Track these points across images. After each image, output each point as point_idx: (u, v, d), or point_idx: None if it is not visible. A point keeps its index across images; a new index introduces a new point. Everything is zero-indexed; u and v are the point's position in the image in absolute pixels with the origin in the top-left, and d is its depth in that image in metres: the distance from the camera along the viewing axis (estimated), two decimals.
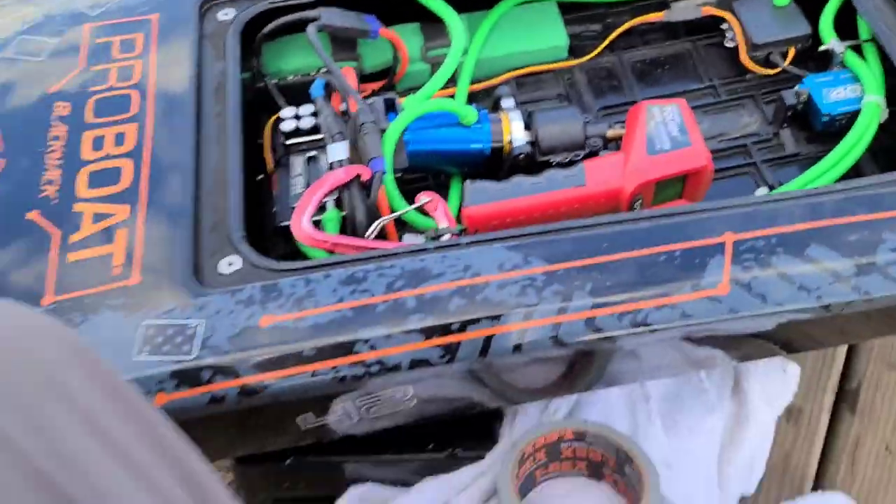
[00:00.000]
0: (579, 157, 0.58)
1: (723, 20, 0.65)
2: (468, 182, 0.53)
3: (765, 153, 0.61)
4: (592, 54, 0.67)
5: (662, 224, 0.47)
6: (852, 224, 0.46)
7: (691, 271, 0.45)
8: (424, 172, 0.60)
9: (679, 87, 0.66)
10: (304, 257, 0.51)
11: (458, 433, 0.56)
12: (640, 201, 0.53)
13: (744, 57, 0.64)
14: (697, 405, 0.59)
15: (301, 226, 0.49)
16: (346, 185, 0.51)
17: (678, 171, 0.53)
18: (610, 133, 0.59)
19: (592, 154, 0.58)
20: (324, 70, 0.62)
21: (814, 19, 0.63)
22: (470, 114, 0.56)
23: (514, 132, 0.57)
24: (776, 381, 0.61)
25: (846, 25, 0.61)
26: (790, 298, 0.44)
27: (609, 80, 0.67)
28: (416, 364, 0.43)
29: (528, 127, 0.58)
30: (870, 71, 0.58)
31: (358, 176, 0.51)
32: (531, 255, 0.45)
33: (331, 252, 0.49)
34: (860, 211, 0.47)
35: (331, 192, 0.51)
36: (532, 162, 0.58)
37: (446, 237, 0.50)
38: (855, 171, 0.56)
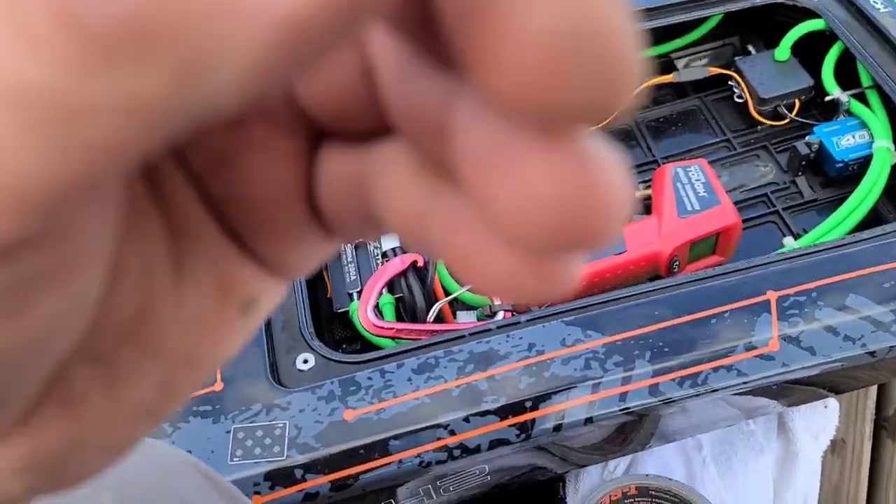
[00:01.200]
0: None
1: (728, 77, 0.69)
2: None
3: (785, 201, 0.64)
4: (607, 119, 0.70)
5: (708, 287, 0.50)
6: (885, 272, 0.49)
7: (742, 331, 0.48)
8: None
9: (695, 143, 0.69)
10: (364, 340, 0.54)
11: (525, 497, 0.58)
12: (677, 262, 0.56)
13: (753, 111, 0.67)
14: (747, 447, 0.61)
15: (367, 316, 0.52)
16: (402, 273, 0.54)
17: (711, 230, 0.56)
18: (636, 195, 0.63)
19: None
20: None
21: (813, 70, 0.67)
22: None
23: None
24: (818, 417, 0.63)
25: (846, 74, 0.65)
26: (837, 349, 0.47)
27: (627, 141, 0.71)
28: (494, 444, 0.45)
29: None
30: (875, 117, 0.62)
31: (414, 262, 0.54)
32: (589, 328, 0.48)
33: (394, 338, 0.52)
34: (889, 259, 0.50)
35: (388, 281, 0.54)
36: None
37: (500, 315, 0.53)
38: (873, 213, 0.60)
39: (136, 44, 0.07)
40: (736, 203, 0.64)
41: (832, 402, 0.63)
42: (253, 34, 0.07)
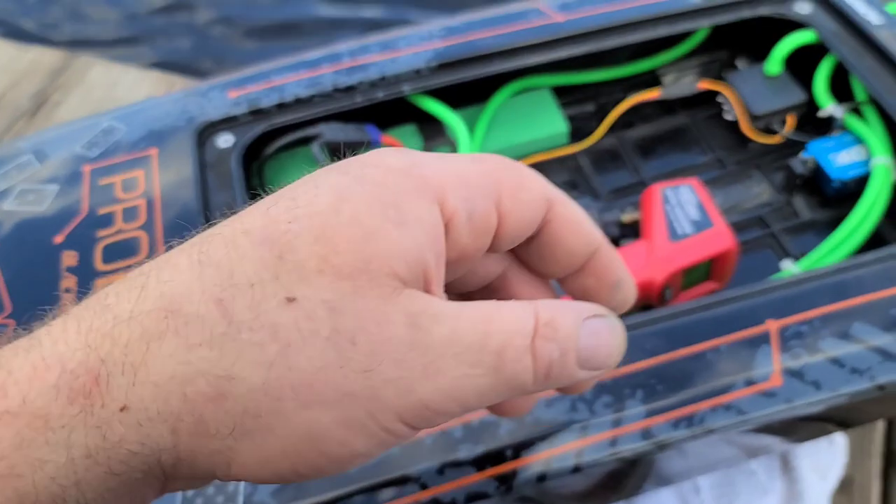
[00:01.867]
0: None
1: (717, 93, 0.66)
2: None
3: (781, 222, 0.60)
4: (594, 138, 0.67)
5: (703, 318, 0.46)
6: (892, 297, 0.46)
7: (741, 365, 0.43)
8: None
9: (685, 162, 0.66)
10: None
11: None
12: (670, 290, 0.52)
13: (745, 128, 0.64)
14: (749, 489, 0.57)
15: None
16: None
17: (705, 255, 0.52)
18: (625, 218, 0.59)
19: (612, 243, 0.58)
20: None
21: (806, 84, 0.63)
22: None
23: None
24: (825, 453, 0.59)
25: (840, 88, 0.62)
26: (844, 383, 0.43)
27: (614, 162, 0.67)
28: (472, 498, 0.41)
29: None
30: (873, 132, 0.58)
31: None
32: None
33: None
34: (895, 283, 0.46)
35: None
36: None
37: None
38: (875, 234, 0.56)
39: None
40: (731, 226, 0.60)
41: (839, 438, 0.59)
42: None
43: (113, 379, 0.18)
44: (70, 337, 0.19)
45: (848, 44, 0.61)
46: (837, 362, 0.43)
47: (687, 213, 0.54)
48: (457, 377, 0.20)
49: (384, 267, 0.20)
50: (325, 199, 0.20)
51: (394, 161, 0.22)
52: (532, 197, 0.23)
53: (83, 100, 0.96)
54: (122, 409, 0.18)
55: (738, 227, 0.61)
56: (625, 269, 0.26)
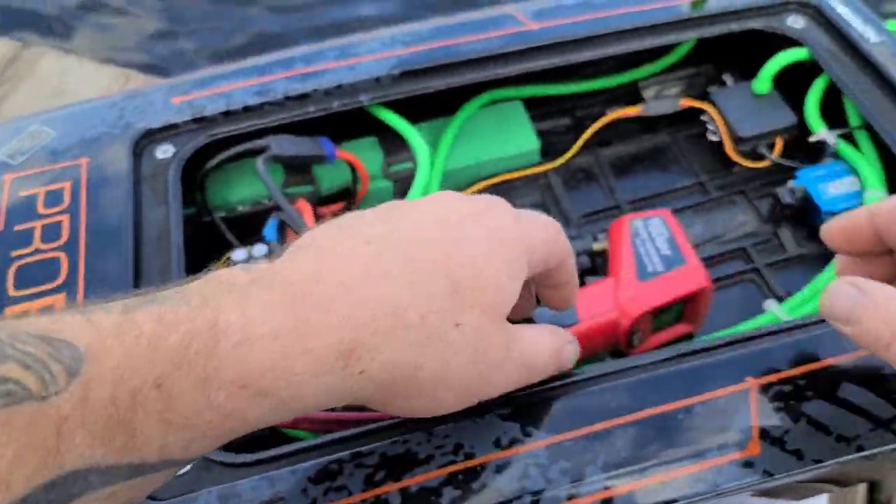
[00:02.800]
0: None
1: (702, 111, 0.61)
2: None
3: (766, 255, 0.56)
4: (567, 156, 0.62)
5: (675, 371, 0.41)
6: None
7: (715, 429, 0.39)
8: None
9: (664, 185, 0.61)
10: (276, 430, 0.45)
11: None
12: (638, 334, 0.48)
13: (729, 151, 0.59)
14: None
15: None
16: None
17: (676, 296, 0.48)
18: (596, 246, 0.54)
19: (583, 273, 0.53)
20: None
21: (796, 106, 0.59)
22: None
23: None
24: None
25: (833, 111, 0.57)
26: (828, 452, 0.38)
27: (588, 182, 0.62)
28: None
29: None
30: (867, 162, 0.54)
31: None
32: (530, 423, 0.39)
33: (313, 429, 0.43)
34: None
35: None
36: None
37: None
38: None
39: None
40: (711, 258, 0.56)
41: (819, 497, 0.55)
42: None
43: (363, 353, 0.28)
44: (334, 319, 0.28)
45: (842, 63, 0.57)
46: (823, 428, 0.39)
47: (657, 248, 0.50)
48: (512, 376, 0.35)
49: (503, 308, 0.32)
50: (480, 249, 0.32)
51: (508, 220, 0.34)
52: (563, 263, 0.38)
53: (33, 93, 0.90)
54: (360, 373, 0.28)
55: (719, 260, 0.56)
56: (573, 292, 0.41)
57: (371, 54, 0.58)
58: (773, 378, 0.40)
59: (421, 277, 0.30)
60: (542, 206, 0.61)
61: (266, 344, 0.25)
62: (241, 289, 0.26)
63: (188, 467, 0.39)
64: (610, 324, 0.47)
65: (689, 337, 0.51)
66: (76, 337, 0.22)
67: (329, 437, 0.40)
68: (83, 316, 0.23)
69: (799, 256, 0.55)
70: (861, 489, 0.60)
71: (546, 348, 0.36)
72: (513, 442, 0.39)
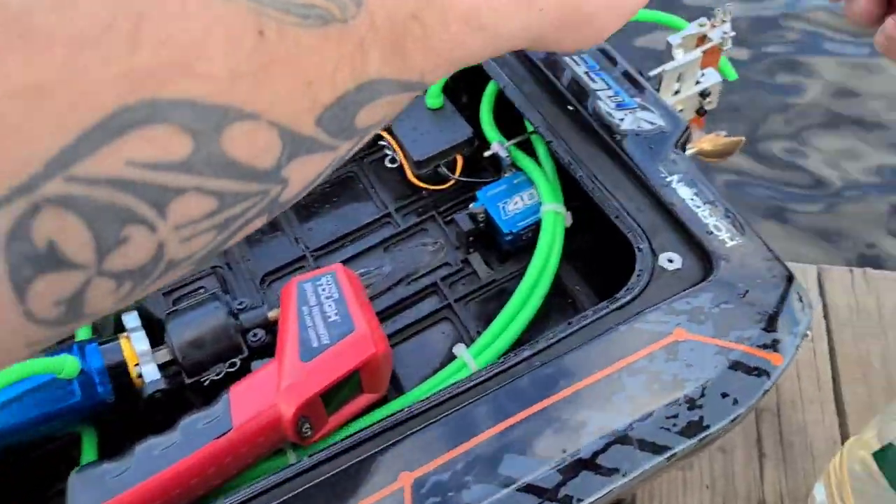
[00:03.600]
0: (236, 367, 0.46)
1: (379, 136, 0.56)
2: (73, 474, 0.39)
3: (458, 288, 0.51)
4: None
5: (329, 477, 0.36)
6: (554, 405, 0.37)
7: None
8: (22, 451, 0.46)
9: (354, 223, 0.55)
10: None
11: None
12: (307, 423, 0.42)
13: (410, 176, 0.54)
14: None
15: None
16: None
17: (345, 371, 0.42)
18: (272, 315, 0.48)
19: (258, 352, 0.47)
20: None
21: (476, 117, 0.55)
22: (68, 366, 0.42)
23: (142, 361, 0.44)
24: None
25: (514, 119, 0.54)
26: None
27: (271, 233, 0.56)
28: None
29: (160, 343, 0.45)
30: (540, 171, 0.51)
31: None
32: None
33: None
34: (560, 384, 0.38)
35: None
36: (181, 388, 0.45)
37: None
38: (558, 288, 0.49)
39: None
40: (404, 300, 0.51)
41: None
42: None
43: None
44: None
45: (510, 67, 0.53)
46: None
47: (325, 315, 0.44)
48: None
49: None
50: None
51: None
52: None
53: None
54: (540, 10, 0.33)
55: (415, 299, 0.51)
56: None
57: None
58: (428, 466, 0.36)
59: None
60: (220, 278, 0.53)
61: None
62: None
63: None
64: (271, 421, 0.41)
65: (380, 404, 0.46)
66: None
67: None
68: None
69: (492, 283, 0.51)
70: None
71: None
72: None
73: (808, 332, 0.72)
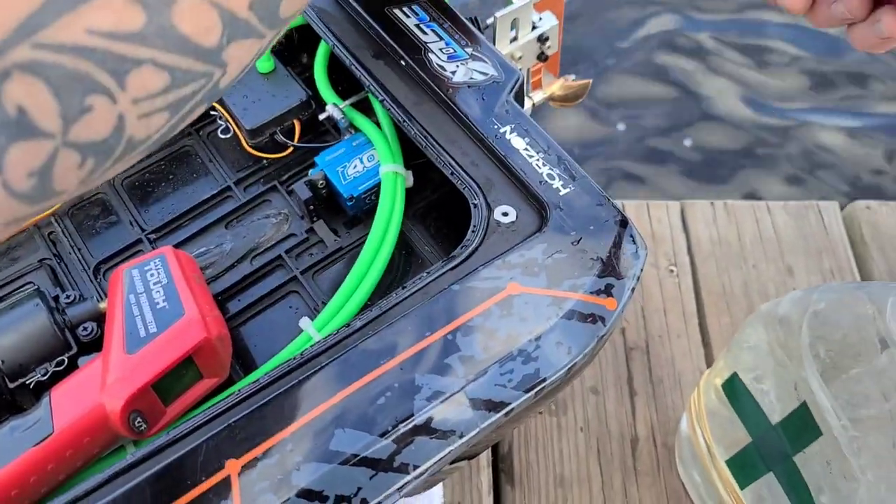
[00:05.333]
0: (64, 364, 0.43)
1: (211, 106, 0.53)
2: None
3: (305, 259, 0.50)
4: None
5: (156, 470, 0.34)
6: (387, 373, 0.36)
7: None
8: None
9: (193, 199, 0.52)
10: None
11: None
12: (139, 417, 0.40)
13: (246, 146, 0.52)
14: None
15: None
16: None
17: (175, 359, 0.40)
18: (103, 306, 0.45)
19: (90, 346, 0.44)
20: None
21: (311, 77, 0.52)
22: None
23: None
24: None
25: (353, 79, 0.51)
26: None
27: (106, 217, 0.52)
28: None
29: None
30: (378, 132, 0.49)
31: None
32: None
33: None
34: (393, 352, 0.37)
35: None
36: (6, 393, 0.42)
37: None
38: (408, 249, 0.48)
39: None
40: (249, 276, 0.49)
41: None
42: None
43: None
44: None
45: (338, 24, 0.51)
46: (318, 497, 0.34)
47: (153, 303, 0.41)
48: None
49: None
50: None
51: None
52: None
53: None
54: None
55: (260, 275, 0.49)
56: None
57: None
58: (254, 453, 0.34)
59: None
60: (55, 265, 0.50)
61: None
62: None
63: None
64: (97, 420, 0.38)
65: (223, 388, 0.44)
66: None
67: None
68: None
69: (338, 251, 0.50)
70: (485, 455, 0.58)
71: None
72: None
73: (674, 268, 0.74)
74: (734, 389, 0.53)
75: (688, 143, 1.35)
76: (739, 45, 1.49)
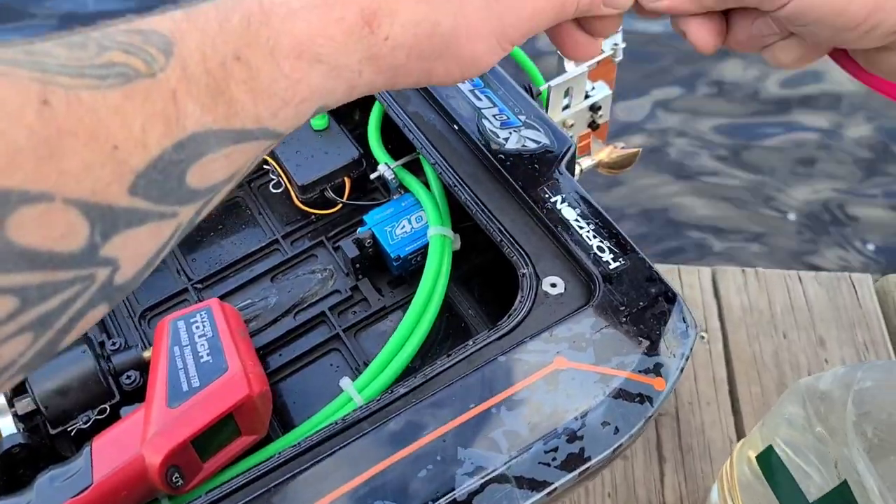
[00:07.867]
0: (106, 413, 0.43)
1: (264, 160, 0.54)
2: None
3: (348, 316, 0.50)
4: None
5: None
6: (430, 444, 0.36)
7: None
8: None
9: (241, 251, 0.53)
10: None
11: None
12: (177, 473, 0.39)
13: (296, 201, 0.52)
14: None
15: None
16: None
17: (216, 416, 0.40)
18: (147, 355, 0.45)
19: (132, 395, 0.44)
20: None
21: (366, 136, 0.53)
22: None
23: None
24: None
25: (402, 138, 0.52)
26: None
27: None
28: None
29: (21, 392, 0.42)
30: (427, 194, 0.49)
31: None
32: None
33: None
34: (434, 423, 0.36)
35: None
36: (46, 438, 0.43)
37: None
38: (451, 312, 0.47)
39: None
40: (290, 332, 0.49)
41: None
42: None
43: (383, 18, 0.30)
44: None
45: None
46: None
47: (197, 356, 0.42)
48: (531, 5, 0.33)
49: None
50: None
51: None
52: None
53: None
54: (386, 39, 0.30)
55: (303, 331, 0.49)
56: None
57: None
58: None
59: None
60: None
61: (306, 14, 0.28)
62: None
63: None
64: (136, 473, 0.38)
65: (263, 444, 0.44)
66: (158, 27, 0.25)
67: None
68: (157, 14, 0.25)
69: (382, 310, 0.49)
70: None
71: None
72: None
73: (704, 335, 0.72)
74: (769, 463, 0.51)
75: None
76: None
